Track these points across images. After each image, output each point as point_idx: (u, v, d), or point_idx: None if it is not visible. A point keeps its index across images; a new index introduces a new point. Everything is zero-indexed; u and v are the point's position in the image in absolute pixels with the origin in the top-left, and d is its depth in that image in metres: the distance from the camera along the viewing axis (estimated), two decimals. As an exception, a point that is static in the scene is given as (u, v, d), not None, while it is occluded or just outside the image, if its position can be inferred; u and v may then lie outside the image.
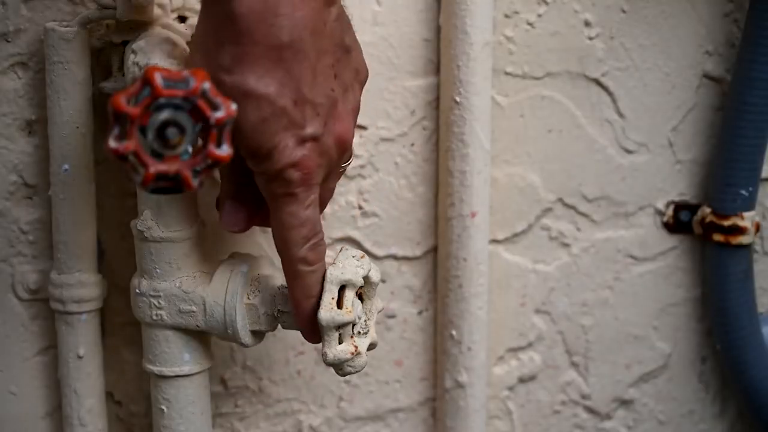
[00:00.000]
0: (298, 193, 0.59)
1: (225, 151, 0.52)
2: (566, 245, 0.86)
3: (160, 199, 0.65)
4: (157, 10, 0.68)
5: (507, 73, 0.81)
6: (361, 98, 0.64)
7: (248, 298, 0.66)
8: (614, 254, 0.87)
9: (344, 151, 0.62)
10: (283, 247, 0.61)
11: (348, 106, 0.62)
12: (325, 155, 0.60)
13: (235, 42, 0.55)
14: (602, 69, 0.83)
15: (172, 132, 0.51)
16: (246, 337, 0.66)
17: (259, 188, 0.61)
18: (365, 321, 0.65)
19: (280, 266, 0.79)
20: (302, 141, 0.58)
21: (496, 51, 0.80)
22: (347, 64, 0.61)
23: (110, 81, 0.70)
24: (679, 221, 0.87)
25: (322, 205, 0.63)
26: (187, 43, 0.70)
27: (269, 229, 0.78)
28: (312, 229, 0.61)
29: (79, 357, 0.72)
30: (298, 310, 0.63)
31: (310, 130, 0.58)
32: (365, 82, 0.64)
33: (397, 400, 0.85)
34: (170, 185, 0.51)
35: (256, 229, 0.78)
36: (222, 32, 0.55)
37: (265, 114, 0.56)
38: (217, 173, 0.68)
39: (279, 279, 0.67)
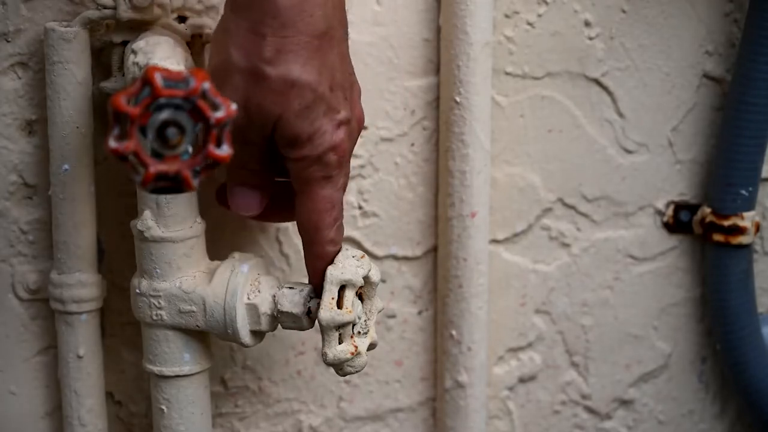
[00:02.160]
0: (334, 175, 0.62)
1: (225, 151, 0.52)
2: (566, 245, 0.86)
3: (160, 199, 0.65)
4: (157, 10, 0.68)
5: (507, 73, 0.81)
6: (361, 99, 0.66)
7: (248, 298, 0.66)
8: (614, 254, 0.87)
9: (360, 132, 0.65)
10: (313, 230, 0.63)
11: (357, 87, 0.65)
12: (352, 137, 0.63)
13: (279, 34, 0.58)
14: (602, 69, 0.83)
15: (172, 132, 0.51)
16: (246, 337, 0.66)
17: (292, 175, 0.62)
18: (365, 321, 0.65)
19: (281, 266, 0.79)
20: (338, 125, 0.61)
21: (496, 51, 0.80)
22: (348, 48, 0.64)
23: (110, 81, 0.70)
24: (679, 221, 0.87)
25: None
26: (187, 43, 0.70)
27: (269, 229, 0.79)
28: (340, 210, 0.63)
29: (79, 357, 0.72)
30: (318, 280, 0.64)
31: (343, 113, 0.61)
32: None
33: (397, 400, 0.85)
34: (170, 185, 0.51)
35: (255, 228, 0.78)
36: (263, 26, 0.58)
37: (308, 101, 0.59)
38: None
39: (279, 279, 0.67)
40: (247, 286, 0.66)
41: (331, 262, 0.63)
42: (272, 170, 0.64)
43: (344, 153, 0.62)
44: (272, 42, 0.58)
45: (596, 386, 0.89)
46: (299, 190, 0.63)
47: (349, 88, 0.63)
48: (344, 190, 0.64)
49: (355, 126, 0.63)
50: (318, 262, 0.64)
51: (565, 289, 0.86)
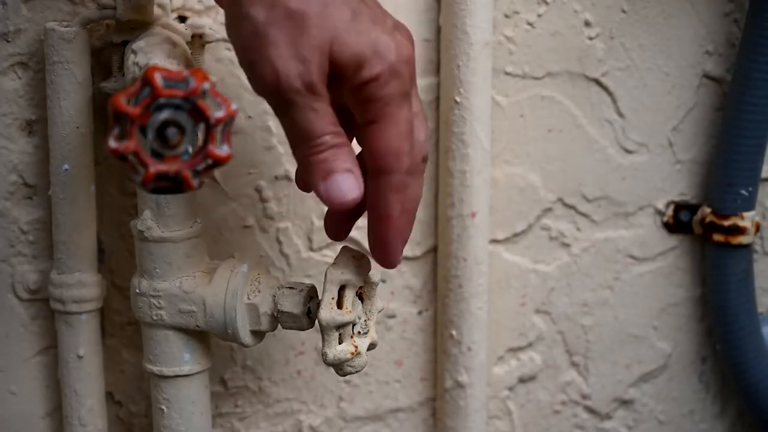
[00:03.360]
0: (410, 91, 0.56)
1: (225, 150, 0.52)
2: (566, 245, 0.86)
3: (160, 199, 0.65)
4: (157, 10, 0.68)
5: (507, 73, 0.81)
6: None
7: (248, 298, 0.66)
8: (614, 254, 0.87)
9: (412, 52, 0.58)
10: (394, 158, 0.56)
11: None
12: (405, 47, 0.57)
13: None
14: (602, 69, 0.83)
15: (172, 132, 0.51)
16: (246, 337, 0.66)
17: (367, 105, 0.56)
18: (365, 321, 0.65)
19: (281, 266, 0.79)
20: (393, 30, 0.56)
21: (496, 51, 0.80)
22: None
23: (110, 81, 0.70)
24: (679, 221, 0.87)
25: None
26: (187, 43, 0.70)
27: (269, 229, 0.79)
28: (420, 135, 0.58)
29: (79, 357, 0.72)
30: (396, 235, 0.59)
31: (389, 21, 0.56)
32: None
33: (397, 400, 0.85)
34: (170, 185, 0.51)
35: (255, 228, 0.78)
36: None
37: (348, 14, 0.54)
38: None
39: (279, 279, 0.67)
40: (247, 286, 0.66)
41: (415, 200, 0.58)
42: (347, 138, 0.57)
43: (411, 60, 0.56)
44: None
45: (596, 386, 0.89)
46: (376, 118, 0.56)
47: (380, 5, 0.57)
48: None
49: (401, 39, 0.57)
50: (395, 195, 0.57)
51: (565, 289, 0.86)
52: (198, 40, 0.72)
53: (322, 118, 0.55)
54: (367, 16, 0.55)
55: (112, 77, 0.70)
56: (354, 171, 0.56)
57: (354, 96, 0.56)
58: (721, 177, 0.84)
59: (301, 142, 0.56)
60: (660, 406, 0.91)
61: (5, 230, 0.74)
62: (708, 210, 0.85)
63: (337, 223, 0.63)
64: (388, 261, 0.60)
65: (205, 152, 0.51)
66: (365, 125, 0.57)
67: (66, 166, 0.69)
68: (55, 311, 0.72)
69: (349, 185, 0.56)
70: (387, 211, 0.58)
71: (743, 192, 0.84)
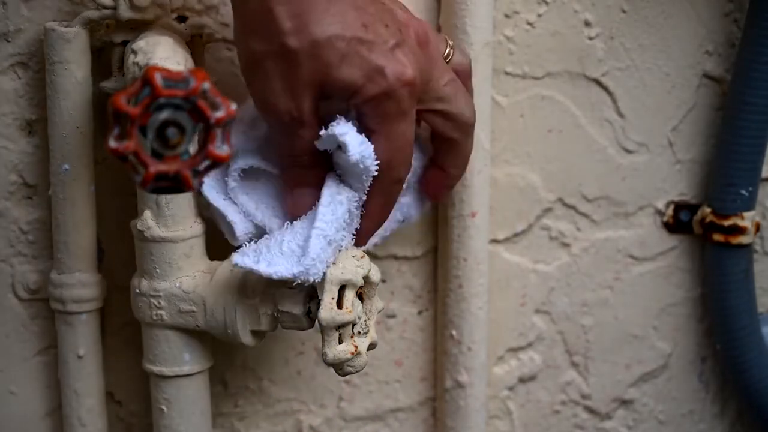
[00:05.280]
0: (408, 110, 0.60)
1: (225, 150, 0.52)
2: (566, 245, 0.86)
3: (160, 199, 0.65)
4: (157, 10, 0.68)
5: (507, 73, 0.81)
6: None
7: (248, 297, 0.66)
8: (614, 254, 0.87)
9: (439, 53, 0.64)
10: (385, 168, 0.62)
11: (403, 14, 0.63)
12: (421, 60, 0.60)
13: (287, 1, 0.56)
14: (602, 69, 0.83)
15: (172, 132, 0.51)
16: (246, 337, 0.66)
17: (365, 117, 0.60)
18: (365, 321, 0.65)
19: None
20: (392, 50, 0.59)
21: (496, 51, 0.80)
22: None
23: (110, 81, 0.70)
24: (679, 221, 0.87)
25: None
26: (187, 43, 0.70)
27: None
28: (411, 146, 0.62)
29: (79, 357, 0.72)
30: (371, 225, 0.65)
31: (392, 40, 0.59)
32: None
33: (397, 400, 0.85)
34: (170, 185, 0.52)
35: (256, 229, 0.78)
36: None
37: (342, 51, 0.57)
38: None
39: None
40: (247, 286, 0.66)
41: (394, 202, 0.65)
42: (322, 163, 0.63)
43: (411, 81, 0.59)
44: (284, 11, 0.56)
45: (596, 386, 0.89)
46: (372, 130, 0.61)
47: (391, 16, 0.60)
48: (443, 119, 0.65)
49: (415, 47, 0.60)
50: (379, 198, 0.64)
51: (565, 289, 0.86)
52: (198, 40, 0.72)
53: (302, 142, 0.62)
54: (362, 47, 0.58)
55: (112, 77, 0.70)
56: (312, 188, 0.63)
57: (354, 109, 0.61)
58: (721, 177, 0.84)
59: (283, 154, 0.64)
60: (660, 406, 0.91)
61: (5, 230, 0.74)
62: (708, 210, 0.85)
63: None
64: (357, 242, 0.66)
65: (205, 152, 0.51)
66: (365, 132, 0.61)
67: (66, 166, 0.69)
68: (55, 311, 0.72)
69: (304, 201, 0.64)
70: (368, 206, 0.64)
71: (743, 192, 0.84)
